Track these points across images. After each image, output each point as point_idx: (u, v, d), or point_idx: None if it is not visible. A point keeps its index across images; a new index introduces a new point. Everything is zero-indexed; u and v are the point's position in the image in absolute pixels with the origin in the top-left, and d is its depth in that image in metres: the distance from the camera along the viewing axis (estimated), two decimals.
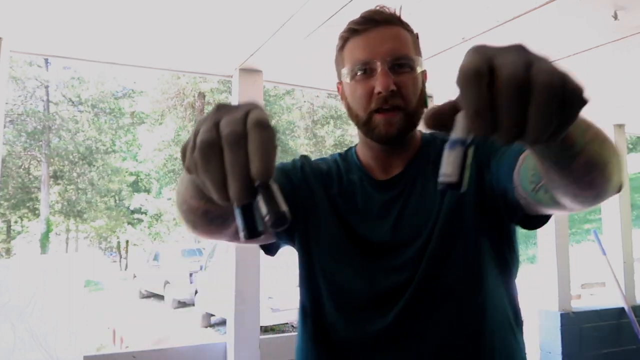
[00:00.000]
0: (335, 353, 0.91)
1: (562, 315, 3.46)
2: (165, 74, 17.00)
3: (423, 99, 0.93)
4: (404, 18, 0.94)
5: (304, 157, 1.03)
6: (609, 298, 3.97)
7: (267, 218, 0.44)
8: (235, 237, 0.83)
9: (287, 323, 7.46)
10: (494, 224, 0.89)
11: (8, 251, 19.28)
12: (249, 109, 0.47)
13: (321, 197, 0.96)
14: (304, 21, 1.98)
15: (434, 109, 0.46)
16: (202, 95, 18.69)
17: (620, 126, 3.87)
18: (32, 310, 1.70)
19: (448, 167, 0.44)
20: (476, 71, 0.41)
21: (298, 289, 1.00)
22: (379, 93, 0.86)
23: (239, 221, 0.46)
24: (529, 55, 0.42)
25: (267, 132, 0.45)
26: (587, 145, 0.56)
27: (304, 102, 19.07)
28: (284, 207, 0.44)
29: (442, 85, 2.72)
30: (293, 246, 1.01)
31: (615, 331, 3.73)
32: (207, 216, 0.71)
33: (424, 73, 0.95)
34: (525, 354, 0.94)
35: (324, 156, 1.07)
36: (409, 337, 0.86)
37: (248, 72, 2.53)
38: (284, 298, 7.07)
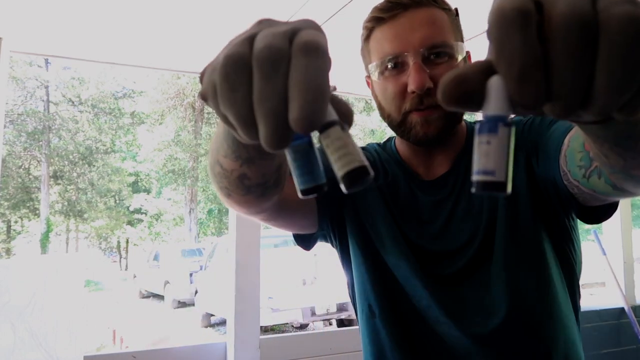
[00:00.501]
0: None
1: None
2: (165, 74, 17.02)
3: None
4: None
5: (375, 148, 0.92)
6: (609, 298, 3.97)
7: (338, 174, 0.31)
8: (272, 216, 0.71)
9: (287, 323, 7.46)
10: (552, 220, 0.78)
11: (8, 251, 19.28)
12: (299, 26, 0.33)
13: (373, 187, 0.85)
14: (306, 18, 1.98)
15: (455, 76, 0.30)
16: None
17: None
18: (32, 310, 1.70)
19: (484, 160, 0.30)
20: (521, 10, 0.27)
21: (352, 285, 0.91)
22: (413, 92, 0.75)
23: (292, 170, 0.34)
24: None
25: (320, 60, 0.31)
26: None
27: None
28: (358, 162, 0.31)
29: None
30: (334, 240, 0.91)
31: (615, 331, 3.72)
32: (244, 183, 0.57)
33: (467, 56, 0.82)
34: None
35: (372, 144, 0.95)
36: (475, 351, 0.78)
37: None
38: (284, 298, 7.08)
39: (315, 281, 7.24)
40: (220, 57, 0.34)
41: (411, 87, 0.74)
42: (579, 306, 0.85)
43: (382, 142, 0.95)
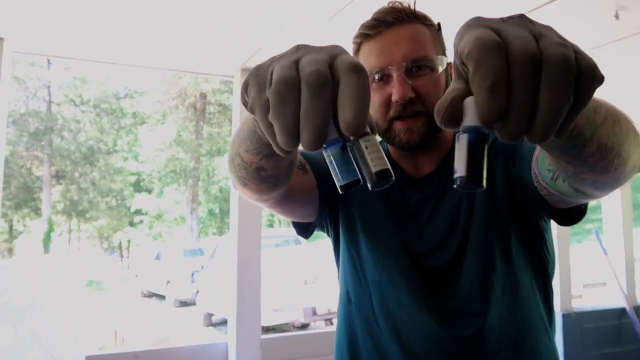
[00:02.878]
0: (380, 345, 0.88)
1: (563, 316, 3.45)
2: (167, 74, 17.02)
3: None
4: (423, 10, 0.88)
5: None
6: (611, 298, 3.96)
7: (370, 174, 0.40)
8: (278, 204, 0.81)
9: (288, 323, 7.46)
10: (525, 219, 0.84)
11: (10, 251, 19.32)
12: (335, 52, 0.42)
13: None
14: (306, 21, 1.98)
15: (448, 105, 0.39)
16: (203, 96, 18.69)
17: None
18: (33, 310, 1.71)
19: (462, 161, 0.38)
20: (496, 41, 0.36)
21: (341, 272, 0.98)
22: (397, 102, 0.82)
23: (334, 170, 0.42)
24: (534, 27, 0.39)
25: (364, 77, 0.39)
26: (599, 128, 0.51)
27: None
28: (387, 165, 0.40)
29: None
30: (329, 225, 0.98)
31: (616, 331, 3.72)
32: (260, 174, 0.66)
33: (449, 67, 0.88)
34: (557, 356, 0.90)
35: None
36: (451, 343, 0.83)
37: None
38: (285, 298, 7.08)
39: (317, 281, 7.24)
40: (270, 75, 0.42)
41: (394, 97, 0.81)
42: (553, 309, 0.91)
43: None
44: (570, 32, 2.19)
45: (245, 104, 0.45)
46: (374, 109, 0.86)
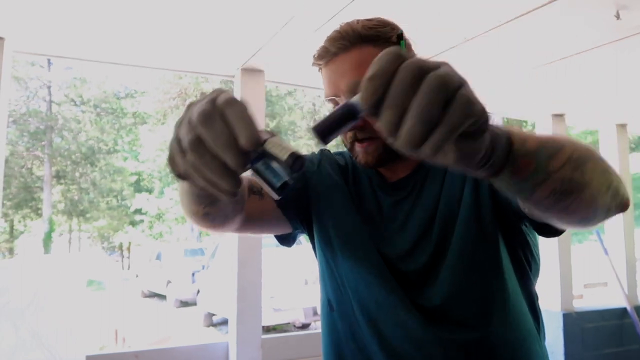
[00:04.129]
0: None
1: (564, 315, 3.45)
2: (168, 74, 17.02)
3: None
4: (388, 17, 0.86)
5: (322, 152, 1.01)
6: (612, 298, 3.96)
7: (284, 165, 0.45)
8: (243, 229, 0.87)
9: (289, 323, 7.46)
10: (509, 225, 0.85)
11: (11, 251, 19.33)
12: (214, 95, 0.48)
13: (341, 189, 0.94)
14: (306, 21, 1.98)
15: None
16: (204, 96, 18.69)
17: (622, 126, 3.86)
18: (34, 310, 1.71)
19: (325, 119, 0.46)
20: (397, 53, 0.43)
21: (320, 281, 0.99)
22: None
23: (263, 184, 0.48)
24: (446, 67, 0.43)
25: (239, 105, 0.46)
26: (553, 174, 0.53)
27: (306, 102, 19.06)
28: (292, 149, 0.45)
29: None
30: (308, 235, 1.00)
31: (617, 331, 3.72)
32: (209, 217, 0.74)
33: None
34: None
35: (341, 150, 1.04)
36: (433, 344, 0.82)
37: (250, 72, 2.53)
38: (286, 297, 7.08)
39: (317, 280, 7.23)
40: (181, 144, 0.48)
41: None
42: (540, 315, 0.90)
43: None
44: (571, 32, 2.18)
45: (178, 175, 0.50)
46: None
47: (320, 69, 0.89)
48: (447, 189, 0.86)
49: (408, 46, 0.87)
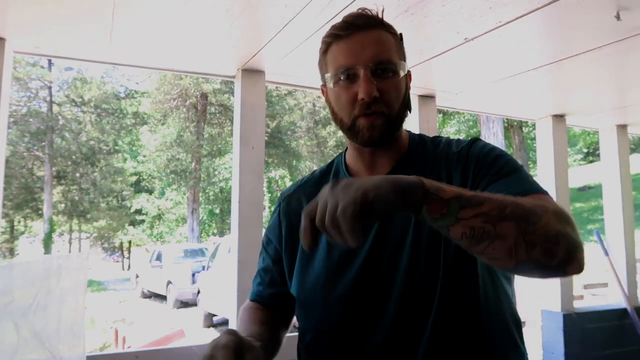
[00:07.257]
0: None
1: (564, 316, 3.45)
2: (168, 74, 17.03)
3: (406, 102, 0.92)
4: (388, 20, 0.93)
5: (283, 199, 1.06)
6: (612, 298, 3.96)
7: None
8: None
9: None
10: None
11: (11, 251, 19.34)
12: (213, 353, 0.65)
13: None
14: (307, 22, 1.98)
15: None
16: (204, 96, 18.72)
17: (623, 127, 3.86)
18: (35, 310, 1.71)
19: None
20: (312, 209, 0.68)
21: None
22: (362, 99, 0.86)
23: None
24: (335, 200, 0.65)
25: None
26: (463, 220, 0.65)
27: (306, 102, 19.07)
28: None
29: (444, 85, 2.72)
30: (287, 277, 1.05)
31: (618, 332, 3.72)
32: None
33: (408, 75, 0.94)
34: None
35: (316, 169, 1.09)
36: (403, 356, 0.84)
37: (250, 72, 2.53)
38: None
39: None
40: None
41: (361, 95, 0.87)
42: (517, 314, 0.92)
43: (331, 160, 1.08)
44: (572, 33, 2.17)
45: None
46: (339, 106, 0.91)
47: (330, 43, 0.92)
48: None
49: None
